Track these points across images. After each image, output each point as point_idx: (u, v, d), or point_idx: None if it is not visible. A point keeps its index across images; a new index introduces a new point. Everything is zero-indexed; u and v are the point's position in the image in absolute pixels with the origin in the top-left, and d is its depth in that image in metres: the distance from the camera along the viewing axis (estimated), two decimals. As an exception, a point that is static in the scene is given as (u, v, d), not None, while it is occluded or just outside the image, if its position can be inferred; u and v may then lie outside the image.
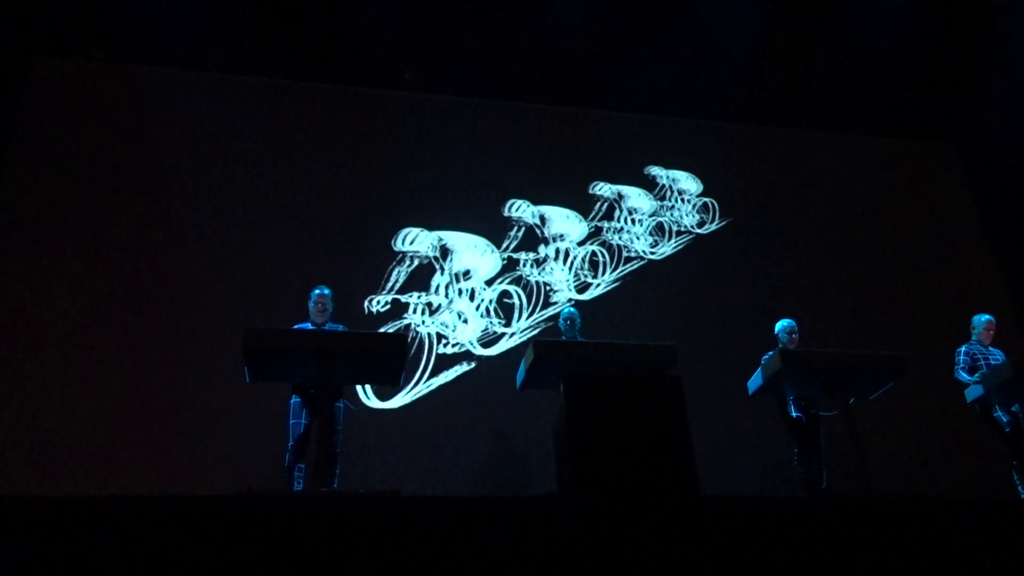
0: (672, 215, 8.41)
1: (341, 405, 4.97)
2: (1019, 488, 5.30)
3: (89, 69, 7.42)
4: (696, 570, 3.10)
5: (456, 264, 7.54)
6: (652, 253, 8.15)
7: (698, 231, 8.38)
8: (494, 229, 7.75)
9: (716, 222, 8.44)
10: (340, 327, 5.16)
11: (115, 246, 6.72)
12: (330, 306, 5.11)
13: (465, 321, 7.31)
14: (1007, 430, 5.38)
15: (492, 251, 7.70)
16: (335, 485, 4.78)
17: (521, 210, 7.97)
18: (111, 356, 6.27)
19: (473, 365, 7.08)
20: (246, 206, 7.18)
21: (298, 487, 4.70)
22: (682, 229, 8.35)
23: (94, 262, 6.61)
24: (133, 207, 6.90)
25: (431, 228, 7.59)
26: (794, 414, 5.51)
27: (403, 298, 7.22)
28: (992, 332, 5.83)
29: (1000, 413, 5.40)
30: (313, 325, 5.04)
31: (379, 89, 8.13)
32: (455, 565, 3.03)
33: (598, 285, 7.81)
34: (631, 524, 3.21)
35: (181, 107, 7.42)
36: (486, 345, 7.25)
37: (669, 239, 8.25)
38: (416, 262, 7.42)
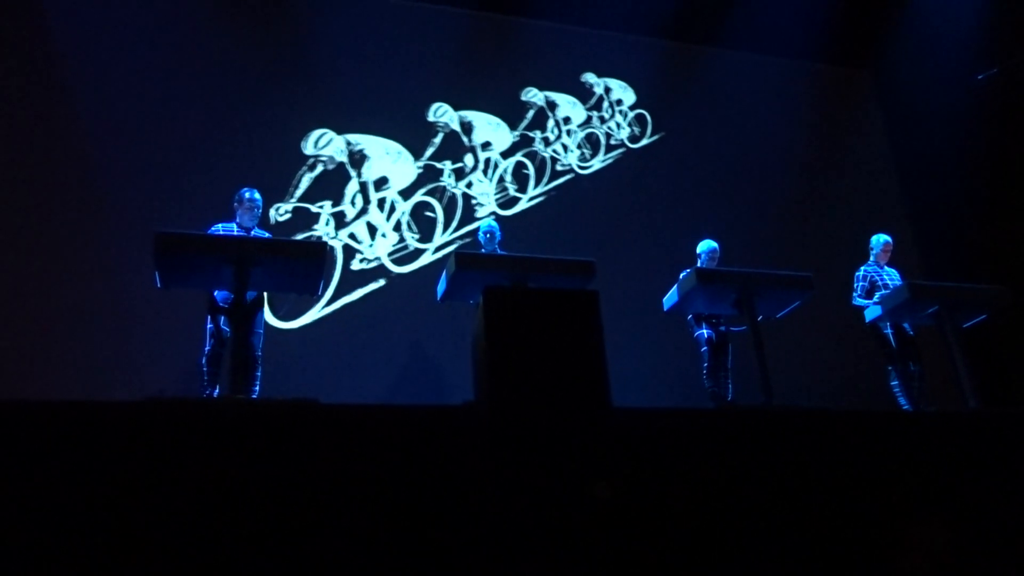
0: (605, 127, 8.45)
1: (261, 311, 5.01)
2: (900, 400, 5.80)
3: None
4: (606, 477, 3.33)
5: (370, 172, 7.39)
6: (583, 168, 8.20)
7: (630, 145, 8.48)
8: (414, 137, 7.65)
9: (648, 136, 8.55)
10: (266, 234, 5.16)
11: (21, 144, 6.42)
12: (259, 211, 5.13)
13: (383, 235, 7.19)
14: (892, 344, 5.86)
15: (410, 159, 7.56)
16: (257, 388, 4.84)
17: (443, 114, 7.81)
18: (20, 258, 6.13)
19: (385, 282, 7.08)
20: (152, 104, 6.91)
21: (209, 390, 4.75)
22: (613, 143, 8.42)
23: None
24: (36, 103, 6.59)
25: (344, 132, 7.41)
26: (705, 331, 5.81)
27: (312, 207, 7.08)
28: (888, 252, 6.27)
29: (889, 331, 5.87)
30: (241, 229, 4.99)
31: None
32: (373, 472, 3.16)
33: (522, 200, 7.82)
34: (544, 433, 3.41)
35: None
36: (400, 262, 7.21)
37: (598, 153, 8.32)
38: (323, 168, 7.22)
